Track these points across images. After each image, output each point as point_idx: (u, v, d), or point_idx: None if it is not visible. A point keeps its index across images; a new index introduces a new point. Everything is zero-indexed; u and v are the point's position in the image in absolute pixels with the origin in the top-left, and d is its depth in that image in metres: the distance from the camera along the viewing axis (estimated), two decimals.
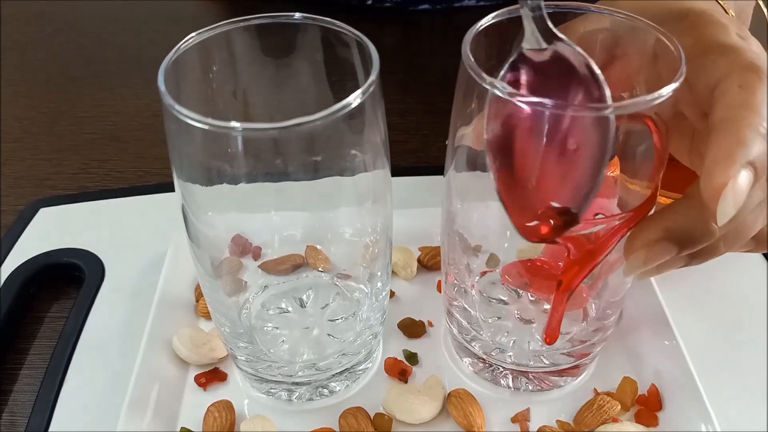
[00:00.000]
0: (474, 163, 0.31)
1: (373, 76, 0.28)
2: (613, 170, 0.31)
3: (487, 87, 0.27)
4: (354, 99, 0.27)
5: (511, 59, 0.29)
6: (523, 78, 0.29)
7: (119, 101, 0.61)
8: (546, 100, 0.26)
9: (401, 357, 0.38)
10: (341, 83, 0.31)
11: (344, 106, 0.27)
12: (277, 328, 0.37)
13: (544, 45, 0.28)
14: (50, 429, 0.36)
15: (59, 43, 0.70)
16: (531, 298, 0.37)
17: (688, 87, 0.29)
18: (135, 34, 0.71)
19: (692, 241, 0.29)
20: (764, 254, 0.44)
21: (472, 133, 0.30)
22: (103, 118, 0.60)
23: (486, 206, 0.32)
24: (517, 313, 0.37)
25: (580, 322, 0.36)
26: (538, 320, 0.36)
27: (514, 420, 0.35)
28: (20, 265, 0.44)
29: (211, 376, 0.37)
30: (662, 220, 0.29)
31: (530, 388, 0.36)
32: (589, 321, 0.36)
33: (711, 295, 0.42)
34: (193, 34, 0.29)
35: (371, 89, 0.28)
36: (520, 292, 0.37)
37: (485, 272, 0.37)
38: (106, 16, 0.74)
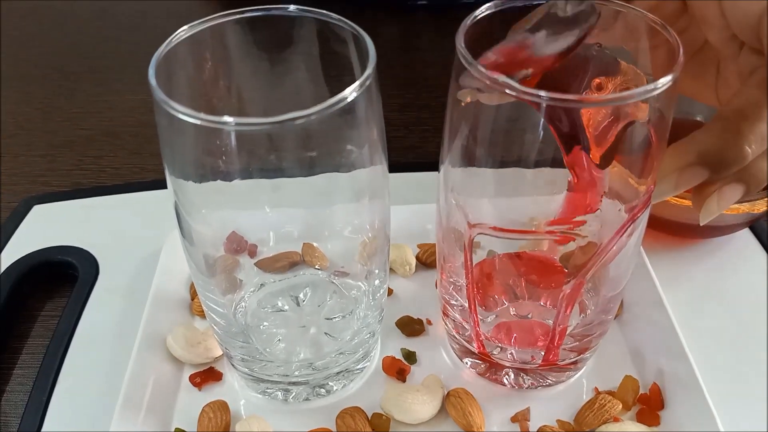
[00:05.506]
0: (469, 158, 0.30)
1: (369, 70, 0.27)
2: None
3: (482, 78, 0.27)
4: (350, 93, 0.26)
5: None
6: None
7: (114, 97, 0.61)
8: (541, 92, 0.25)
9: (399, 356, 0.38)
10: (338, 78, 0.31)
11: (340, 100, 0.26)
12: (273, 327, 0.36)
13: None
14: (43, 429, 0.35)
15: (54, 38, 0.70)
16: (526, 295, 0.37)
17: (720, 11, 0.29)
18: (130, 30, 0.71)
19: (725, 164, 0.29)
20: (767, 250, 0.44)
21: None
22: (98, 113, 0.59)
23: (482, 202, 0.32)
24: (514, 311, 0.36)
25: (579, 316, 0.35)
26: (536, 315, 0.36)
27: (513, 420, 0.35)
28: (13, 263, 0.44)
29: (206, 375, 0.37)
30: (695, 144, 0.29)
31: (533, 385, 0.36)
32: (588, 315, 0.35)
33: (714, 293, 0.41)
34: (184, 27, 0.29)
35: (368, 83, 0.27)
36: (516, 290, 0.37)
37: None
38: (102, 12, 0.74)
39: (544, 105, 0.26)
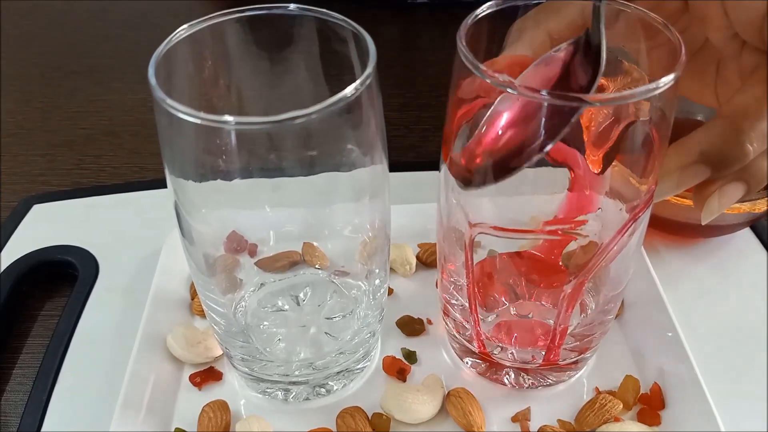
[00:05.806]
0: None
1: (369, 69, 0.27)
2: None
3: (483, 77, 0.26)
4: (350, 92, 0.26)
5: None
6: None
7: (114, 96, 0.61)
8: (543, 91, 0.25)
9: (400, 355, 0.37)
10: (338, 77, 0.30)
11: (340, 99, 0.26)
12: (273, 326, 0.36)
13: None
14: (43, 429, 0.35)
15: (54, 37, 0.70)
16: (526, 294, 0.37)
17: (723, 10, 0.29)
18: (130, 29, 0.71)
19: (726, 163, 0.29)
20: None
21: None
22: (97, 113, 0.59)
23: (483, 201, 0.32)
24: (514, 310, 0.36)
25: (580, 315, 0.35)
26: (536, 315, 0.36)
27: (514, 419, 0.35)
28: (13, 262, 0.43)
29: (206, 375, 0.37)
30: (696, 143, 0.29)
31: (533, 384, 0.36)
32: (589, 315, 0.35)
33: (714, 292, 0.41)
34: (184, 26, 0.29)
35: (368, 81, 0.27)
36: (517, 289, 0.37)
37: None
38: (101, 11, 0.74)
39: (545, 104, 0.26)
